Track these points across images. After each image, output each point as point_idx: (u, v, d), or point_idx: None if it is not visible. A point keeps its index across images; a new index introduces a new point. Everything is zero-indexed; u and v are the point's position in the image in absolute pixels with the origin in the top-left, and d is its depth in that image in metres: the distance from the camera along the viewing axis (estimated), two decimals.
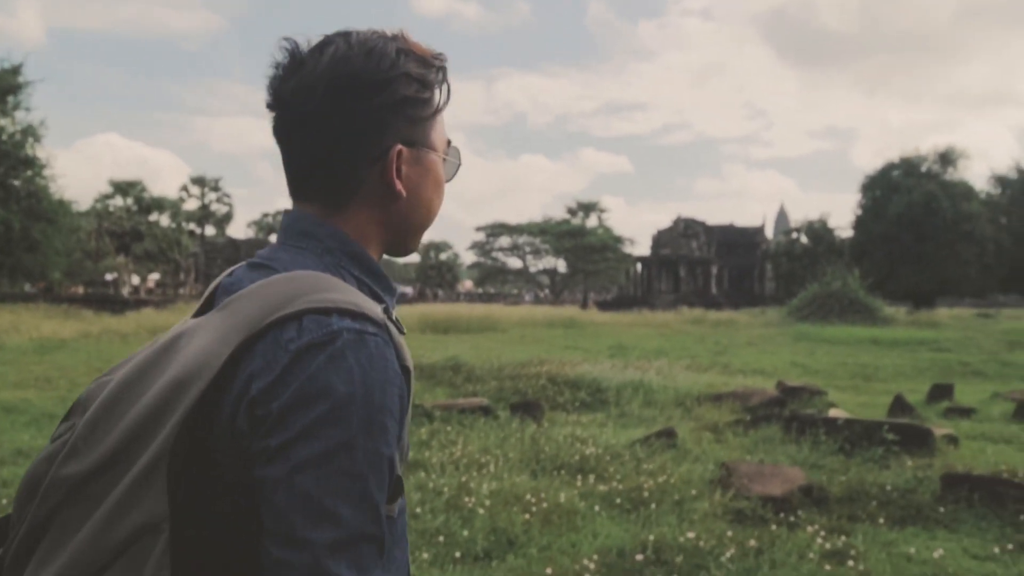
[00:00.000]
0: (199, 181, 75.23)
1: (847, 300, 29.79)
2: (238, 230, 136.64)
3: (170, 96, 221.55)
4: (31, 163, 27.15)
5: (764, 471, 5.60)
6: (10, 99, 27.66)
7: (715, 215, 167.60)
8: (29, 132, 27.68)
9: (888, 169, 50.37)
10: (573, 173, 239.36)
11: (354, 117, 0.97)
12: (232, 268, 1.05)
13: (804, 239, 57.02)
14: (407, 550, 1.04)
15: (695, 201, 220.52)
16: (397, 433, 0.89)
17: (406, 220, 1.06)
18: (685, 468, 6.22)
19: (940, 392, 11.75)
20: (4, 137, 27.16)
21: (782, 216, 74.58)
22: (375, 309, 0.92)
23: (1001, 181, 50.28)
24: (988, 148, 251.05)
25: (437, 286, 78.26)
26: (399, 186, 1.01)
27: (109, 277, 65.52)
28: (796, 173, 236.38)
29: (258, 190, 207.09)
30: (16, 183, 26.57)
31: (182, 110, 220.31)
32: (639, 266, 73.36)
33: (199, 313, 1.00)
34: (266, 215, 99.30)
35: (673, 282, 72.52)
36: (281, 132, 1.02)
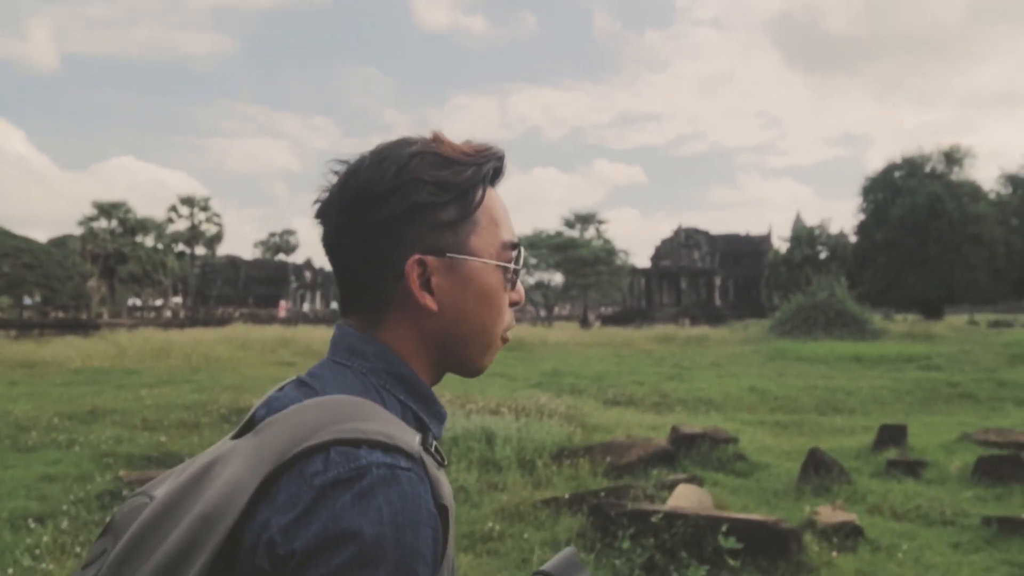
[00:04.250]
0: (188, 201, 72.95)
1: (834, 312, 26.86)
2: (245, 250, 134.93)
3: (184, 118, 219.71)
4: None
5: None
6: None
7: (731, 225, 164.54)
8: None
9: (890, 170, 47.40)
10: (587, 185, 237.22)
11: (366, 230, 0.93)
12: (283, 383, 0.97)
13: (805, 247, 54.02)
14: None
15: (710, 211, 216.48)
16: None
17: (452, 337, 0.96)
18: None
19: (890, 435, 9.11)
20: None
21: (799, 224, 71.65)
22: (410, 441, 0.84)
23: (1012, 180, 47.13)
24: (1005, 149, 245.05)
25: None
26: (427, 300, 0.93)
27: (131, 302, 64.09)
28: (812, 181, 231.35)
29: (272, 210, 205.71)
30: None
31: (196, 132, 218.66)
32: (643, 279, 70.82)
33: (240, 432, 0.91)
34: (273, 235, 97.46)
35: (675, 294, 69.87)
36: (324, 248, 1.00)
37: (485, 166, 0.96)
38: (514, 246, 0.99)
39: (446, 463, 0.90)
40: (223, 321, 47.47)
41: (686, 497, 5.40)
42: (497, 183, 1.01)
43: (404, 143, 0.95)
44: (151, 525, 0.84)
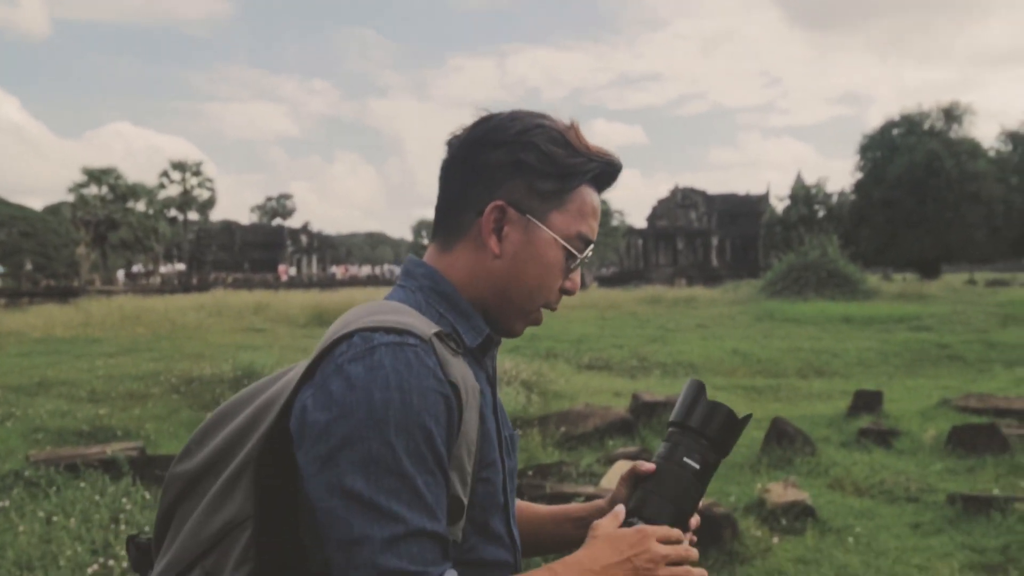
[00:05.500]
0: (179, 166, 71.88)
1: (825, 272, 26.31)
2: (243, 215, 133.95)
3: (180, 83, 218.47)
4: None
5: None
6: None
7: (734, 185, 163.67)
8: None
9: (888, 128, 46.56)
10: None
11: (472, 166, 1.04)
12: None
13: (801, 207, 53.33)
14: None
15: (711, 171, 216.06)
16: (444, 438, 0.90)
17: (499, 285, 1.04)
18: None
19: (864, 402, 8.66)
20: None
21: (799, 184, 70.87)
22: (423, 328, 0.94)
23: (1012, 137, 46.29)
24: (1009, 108, 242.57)
25: None
26: (492, 242, 1.03)
27: (135, 268, 63.59)
28: (813, 140, 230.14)
29: (270, 175, 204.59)
30: None
31: (193, 97, 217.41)
32: (640, 240, 70.27)
33: None
34: (270, 199, 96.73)
35: (672, 254, 69.29)
36: (439, 172, 1.09)
37: (594, 163, 1.05)
38: (587, 242, 1.06)
39: (459, 351, 0.96)
40: (210, 287, 46.76)
41: (621, 475, 4.95)
42: (604, 189, 1.10)
43: (541, 115, 1.06)
44: (234, 405, 1.03)
